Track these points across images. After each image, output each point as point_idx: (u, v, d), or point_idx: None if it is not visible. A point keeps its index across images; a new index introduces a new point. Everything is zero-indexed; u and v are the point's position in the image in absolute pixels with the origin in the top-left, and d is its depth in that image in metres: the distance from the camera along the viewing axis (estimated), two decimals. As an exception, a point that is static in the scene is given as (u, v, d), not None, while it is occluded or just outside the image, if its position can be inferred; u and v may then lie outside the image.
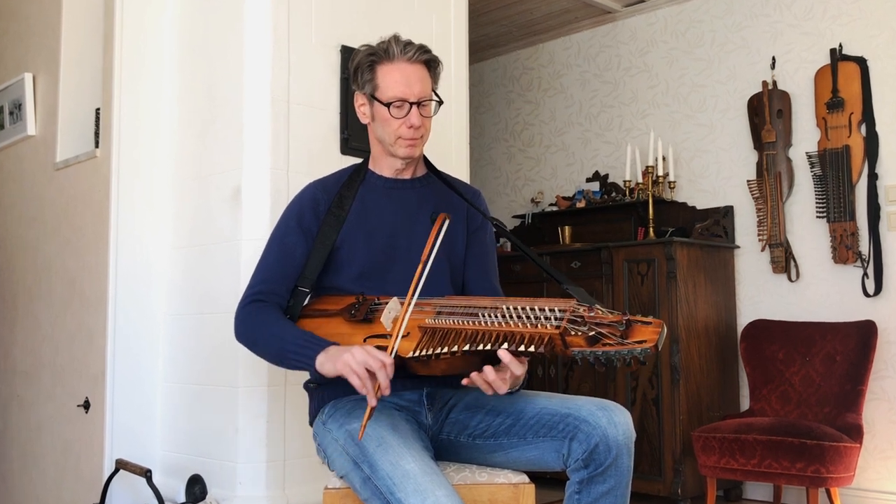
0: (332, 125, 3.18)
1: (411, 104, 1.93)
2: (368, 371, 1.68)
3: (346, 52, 3.22)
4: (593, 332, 1.58)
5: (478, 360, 1.69)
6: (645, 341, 1.53)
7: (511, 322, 1.68)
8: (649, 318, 1.58)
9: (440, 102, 2.01)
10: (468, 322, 1.73)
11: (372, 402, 1.67)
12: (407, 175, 2.08)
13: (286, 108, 3.05)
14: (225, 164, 3.07)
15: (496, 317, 1.71)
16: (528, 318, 1.67)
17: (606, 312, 1.62)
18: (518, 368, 1.67)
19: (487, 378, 1.67)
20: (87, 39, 3.69)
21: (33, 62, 3.89)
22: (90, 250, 3.34)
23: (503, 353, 1.63)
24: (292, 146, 3.06)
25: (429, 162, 2.15)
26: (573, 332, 1.59)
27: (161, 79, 3.34)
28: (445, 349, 1.69)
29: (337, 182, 2.07)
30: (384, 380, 1.67)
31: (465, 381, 1.70)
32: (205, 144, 3.18)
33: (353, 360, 1.69)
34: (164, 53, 3.35)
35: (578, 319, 1.62)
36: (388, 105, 1.93)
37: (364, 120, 2.04)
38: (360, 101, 2.02)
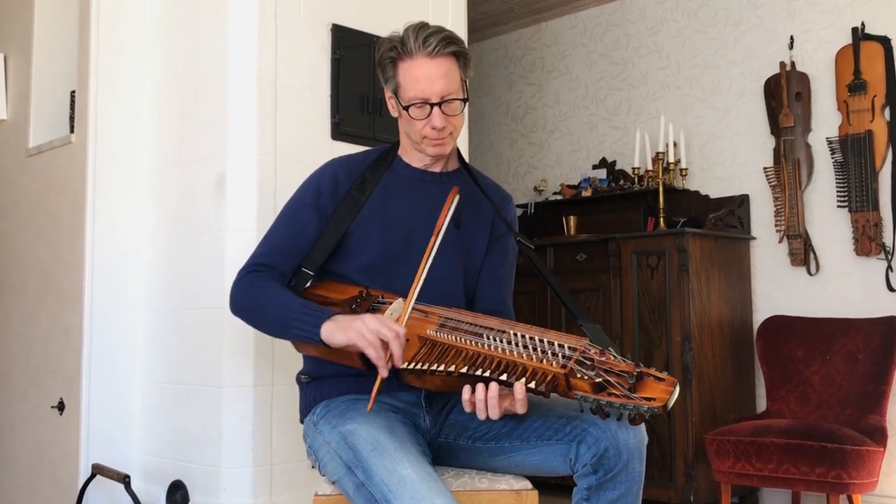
0: (322, 109, 3.17)
1: (432, 105, 1.89)
2: (382, 341, 1.70)
3: (338, 31, 3.21)
4: (600, 380, 1.55)
5: (474, 383, 1.67)
6: (654, 399, 1.50)
7: (516, 351, 1.67)
8: (663, 375, 1.55)
9: (465, 101, 1.95)
10: (471, 342, 1.72)
11: (384, 372, 1.71)
12: (436, 168, 2.05)
13: (273, 90, 3.04)
14: (208, 149, 3.06)
15: (501, 341, 1.70)
16: (534, 349, 1.66)
17: (619, 360, 1.59)
18: (522, 409, 1.66)
19: (489, 394, 1.65)
20: (61, 17, 3.67)
21: (4, 42, 3.87)
22: (65, 242, 3.32)
23: (519, 387, 1.62)
24: (280, 131, 3.04)
25: (462, 157, 2.13)
26: (579, 375, 1.57)
27: (140, 59, 3.32)
28: (442, 367, 1.69)
29: (362, 163, 2.05)
30: (397, 350, 1.70)
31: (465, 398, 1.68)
32: (187, 129, 3.17)
33: (366, 328, 1.70)
34: (143, 32, 3.33)
35: (587, 362, 1.60)
36: (407, 107, 1.91)
37: (393, 114, 2.02)
38: (387, 94, 2.00)
